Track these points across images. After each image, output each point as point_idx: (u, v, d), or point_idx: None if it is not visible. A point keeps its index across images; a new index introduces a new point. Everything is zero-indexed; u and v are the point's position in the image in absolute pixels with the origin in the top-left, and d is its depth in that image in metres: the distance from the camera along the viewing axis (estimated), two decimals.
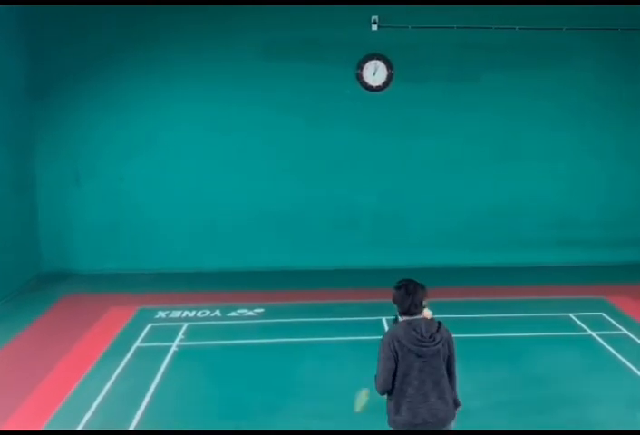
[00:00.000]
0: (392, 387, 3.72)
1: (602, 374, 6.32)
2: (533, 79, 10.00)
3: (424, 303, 3.79)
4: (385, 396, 3.81)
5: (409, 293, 3.72)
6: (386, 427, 3.82)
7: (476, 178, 10.32)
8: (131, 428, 5.30)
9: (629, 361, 6.54)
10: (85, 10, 9.39)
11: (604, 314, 8.00)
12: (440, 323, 3.77)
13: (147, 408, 5.63)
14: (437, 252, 10.38)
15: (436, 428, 3.70)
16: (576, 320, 7.79)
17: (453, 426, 3.82)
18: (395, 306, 3.80)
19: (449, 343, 3.73)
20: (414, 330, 3.66)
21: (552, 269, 10.18)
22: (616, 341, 7.09)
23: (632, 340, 7.16)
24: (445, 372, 3.73)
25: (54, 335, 7.56)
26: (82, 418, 5.44)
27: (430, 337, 3.66)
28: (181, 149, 10.06)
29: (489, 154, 10.25)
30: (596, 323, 7.66)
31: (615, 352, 6.78)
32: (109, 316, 8.21)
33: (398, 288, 3.77)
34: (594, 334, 7.33)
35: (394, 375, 3.69)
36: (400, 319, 3.80)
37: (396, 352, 3.65)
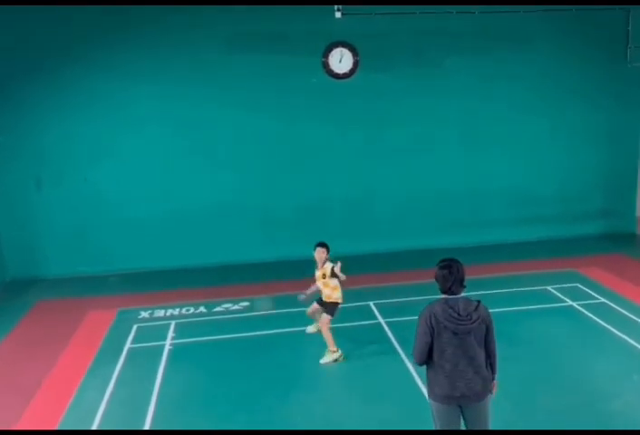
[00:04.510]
0: (430, 360, 3.84)
1: (591, 339, 6.65)
2: (495, 62, 10.24)
3: (464, 283, 3.84)
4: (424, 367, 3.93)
5: (451, 273, 3.79)
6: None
7: (443, 161, 10.52)
8: None
9: (613, 326, 6.91)
10: (40, 8, 8.91)
11: (579, 285, 8.37)
12: (479, 301, 3.86)
13: (155, 414, 5.45)
14: (409, 235, 10.57)
15: (473, 401, 3.85)
16: (555, 292, 8.14)
17: (489, 400, 3.95)
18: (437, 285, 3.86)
19: (486, 321, 3.83)
20: (451, 308, 3.76)
21: (522, 245, 10.57)
22: (596, 308, 7.47)
23: (610, 307, 7.55)
24: (482, 349, 3.84)
25: (37, 344, 7.23)
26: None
27: (467, 316, 3.75)
28: (146, 148, 9.77)
29: (454, 137, 10.47)
30: (574, 294, 8.02)
31: (597, 319, 7.15)
32: (89, 320, 7.94)
33: (441, 268, 3.84)
34: (574, 304, 7.67)
35: (431, 349, 3.80)
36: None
37: (432, 328, 3.76)
